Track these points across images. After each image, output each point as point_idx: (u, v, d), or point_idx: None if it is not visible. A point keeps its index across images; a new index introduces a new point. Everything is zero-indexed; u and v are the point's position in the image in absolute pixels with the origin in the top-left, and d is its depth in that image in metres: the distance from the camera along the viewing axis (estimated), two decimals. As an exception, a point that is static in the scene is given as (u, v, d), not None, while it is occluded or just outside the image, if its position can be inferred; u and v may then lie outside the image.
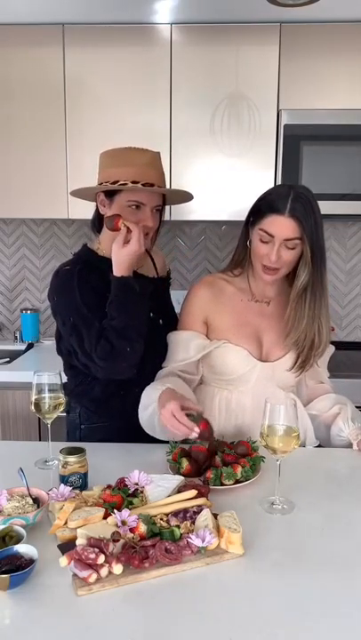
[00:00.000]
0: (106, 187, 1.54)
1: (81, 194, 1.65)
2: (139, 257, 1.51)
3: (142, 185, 1.52)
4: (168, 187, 1.71)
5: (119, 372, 1.57)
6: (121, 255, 1.48)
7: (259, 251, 1.49)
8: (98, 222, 1.67)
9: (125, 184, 1.51)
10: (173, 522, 1.09)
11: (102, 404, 1.65)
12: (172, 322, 1.74)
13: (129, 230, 1.49)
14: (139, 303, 1.50)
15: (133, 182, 1.51)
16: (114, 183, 1.53)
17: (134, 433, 1.63)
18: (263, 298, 1.61)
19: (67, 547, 1.05)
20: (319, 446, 1.66)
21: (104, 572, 0.97)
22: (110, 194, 1.57)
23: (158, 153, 1.59)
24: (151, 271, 1.73)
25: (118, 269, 1.49)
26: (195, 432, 1.31)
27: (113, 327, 1.48)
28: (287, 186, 1.50)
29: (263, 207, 1.47)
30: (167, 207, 1.80)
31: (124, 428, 1.64)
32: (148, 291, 1.52)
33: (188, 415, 1.33)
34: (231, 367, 1.55)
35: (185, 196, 1.69)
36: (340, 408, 1.60)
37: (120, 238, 1.48)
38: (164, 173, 1.61)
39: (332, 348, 1.69)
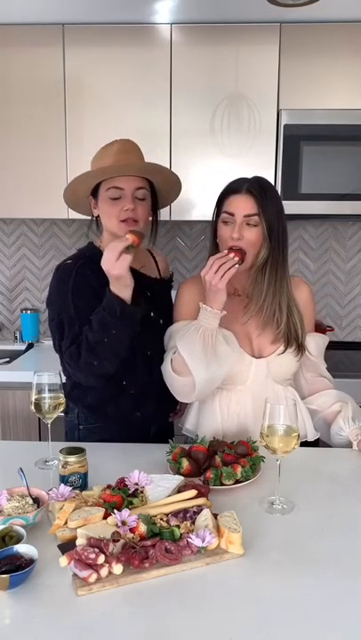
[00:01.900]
0: (74, 181, 1.56)
1: (77, 206, 1.68)
2: (120, 276, 1.42)
3: (103, 167, 1.52)
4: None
5: (84, 380, 1.57)
6: (109, 271, 1.42)
7: (223, 234, 1.52)
8: (97, 225, 1.68)
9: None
10: (173, 522, 1.09)
11: (97, 409, 1.65)
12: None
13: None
14: (121, 326, 1.45)
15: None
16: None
17: (134, 434, 1.63)
18: (244, 292, 1.60)
19: (67, 547, 1.05)
20: (319, 444, 1.66)
21: (104, 572, 0.97)
22: (95, 193, 1.58)
23: (130, 140, 1.60)
24: (153, 271, 1.73)
25: (112, 284, 1.44)
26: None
27: (87, 339, 1.47)
28: (244, 177, 1.56)
29: (222, 194, 1.55)
30: (168, 207, 1.80)
31: (123, 429, 1.64)
32: (136, 316, 1.47)
33: None
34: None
35: (170, 180, 1.64)
36: (341, 406, 1.60)
37: (114, 252, 1.41)
38: (141, 158, 1.60)
39: (325, 338, 1.69)
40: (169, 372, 1.53)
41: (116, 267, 1.40)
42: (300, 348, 1.57)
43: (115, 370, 1.54)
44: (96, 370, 1.52)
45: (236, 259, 1.45)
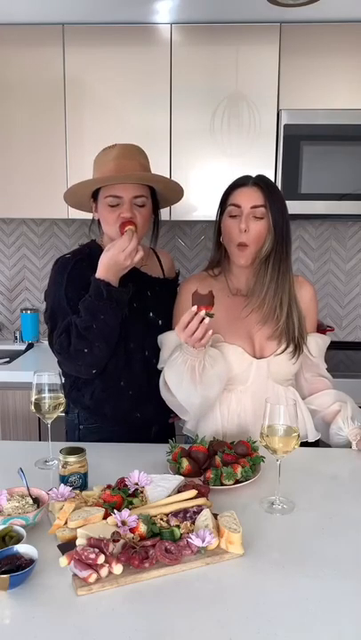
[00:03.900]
0: (73, 187, 1.57)
1: (80, 205, 1.68)
2: (119, 264, 1.46)
3: (98, 178, 1.53)
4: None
5: (75, 371, 1.58)
6: (102, 258, 1.46)
7: (230, 229, 1.52)
8: (98, 226, 1.68)
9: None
10: (173, 522, 1.09)
11: (95, 410, 1.65)
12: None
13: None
14: (108, 309, 1.46)
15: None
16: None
17: (134, 434, 1.63)
18: (248, 292, 1.61)
19: (67, 547, 1.05)
20: (319, 445, 1.66)
21: (104, 572, 0.97)
22: (96, 196, 1.59)
23: (130, 144, 1.59)
24: (156, 270, 1.73)
25: (99, 271, 1.47)
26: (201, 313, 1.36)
27: (76, 324, 1.48)
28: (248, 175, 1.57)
29: (229, 189, 1.55)
30: (168, 207, 1.80)
31: (123, 430, 1.64)
32: (123, 298, 1.49)
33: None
34: (228, 366, 1.55)
35: (172, 187, 1.64)
36: (340, 405, 1.60)
37: (112, 242, 1.47)
38: (144, 164, 1.59)
39: (326, 339, 1.69)
40: (163, 392, 1.55)
41: (130, 259, 1.44)
42: (298, 349, 1.57)
43: (105, 358, 1.54)
44: (87, 358, 1.51)
45: (202, 312, 1.36)
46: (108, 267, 1.46)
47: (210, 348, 1.49)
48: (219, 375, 1.49)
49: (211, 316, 1.37)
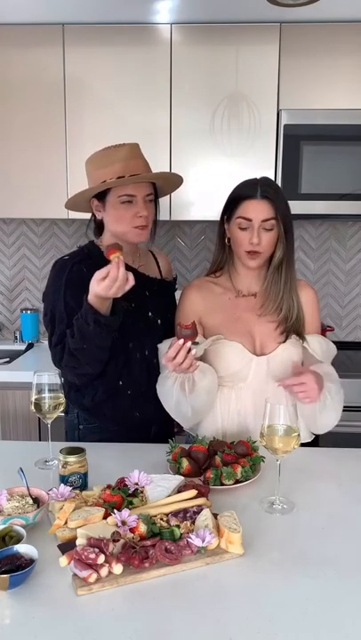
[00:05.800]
0: (92, 190, 1.55)
1: (76, 206, 1.66)
2: (110, 296, 1.40)
3: (128, 177, 1.52)
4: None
5: (70, 379, 1.60)
6: (93, 286, 1.41)
7: (240, 239, 1.53)
8: (96, 227, 1.68)
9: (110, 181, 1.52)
10: (173, 522, 1.09)
11: (94, 411, 1.66)
12: (172, 324, 1.74)
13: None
14: (98, 333, 1.45)
15: (119, 178, 1.52)
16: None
17: (133, 434, 1.63)
18: (249, 293, 1.62)
19: (67, 547, 1.05)
20: (319, 444, 1.66)
21: (104, 572, 0.97)
22: (101, 196, 1.57)
23: (136, 144, 1.60)
24: (153, 271, 1.73)
25: (90, 295, 1.43)
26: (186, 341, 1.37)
27: (68, 343, 1.50)
28: (253, 178, 1.57)
29: (236, 198, 1.54)
30: (168, 207, 1.80)
31: (122, 429, 1.64)
32: (114, 324, 1.47)
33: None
34: (227, 362, 1.55)
35: (174, 182, 1.66)
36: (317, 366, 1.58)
37: (103, 270, 1.39)
38: (147, 162, 1.60)
39: (334, 349, 1.68)
40: (161, 401, 1.57)
41: (121, 291, 1.40)
42: (300, 336, 1.59)
43: (99, 371, 1.57)
44: (78, 372, 1.56)
45: (188, 344, 1.38)
46: (97, 295, 1.41)
47: (199, 362, 1.51)
48: (207, 388, 1.51)
49: (196, 344, 1.41)
